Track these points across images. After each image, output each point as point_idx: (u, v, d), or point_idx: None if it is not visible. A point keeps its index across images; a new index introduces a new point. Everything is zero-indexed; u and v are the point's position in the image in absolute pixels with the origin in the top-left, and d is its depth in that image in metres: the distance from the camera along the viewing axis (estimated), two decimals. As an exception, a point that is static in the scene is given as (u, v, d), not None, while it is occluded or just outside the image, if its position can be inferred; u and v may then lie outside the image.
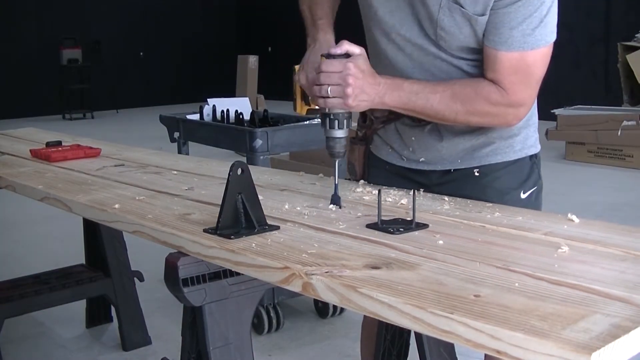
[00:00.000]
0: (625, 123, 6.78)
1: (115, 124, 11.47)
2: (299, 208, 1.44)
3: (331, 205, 1.44)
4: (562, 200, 5.16)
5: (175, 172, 1.94)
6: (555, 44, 1.45)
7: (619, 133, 6.77)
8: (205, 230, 1.29)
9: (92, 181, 1.85)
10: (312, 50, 1.54)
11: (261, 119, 3.20)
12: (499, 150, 1.56)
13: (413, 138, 1.60)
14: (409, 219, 1.30)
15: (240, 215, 1.28)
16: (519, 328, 0.82)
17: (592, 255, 1.11)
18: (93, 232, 2.95)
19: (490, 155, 1.56)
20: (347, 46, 1.41)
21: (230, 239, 1.23)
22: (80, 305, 3.18)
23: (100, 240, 2.90)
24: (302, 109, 1.62)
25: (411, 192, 1.37)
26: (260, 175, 1.76)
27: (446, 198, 1.50)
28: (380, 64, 1.58)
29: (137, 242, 1.70)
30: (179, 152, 3.48)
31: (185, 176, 1.88)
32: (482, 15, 1.39)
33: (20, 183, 1.90)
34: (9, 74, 12.26)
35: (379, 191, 1.31)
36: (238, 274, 1.29)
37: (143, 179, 1.86)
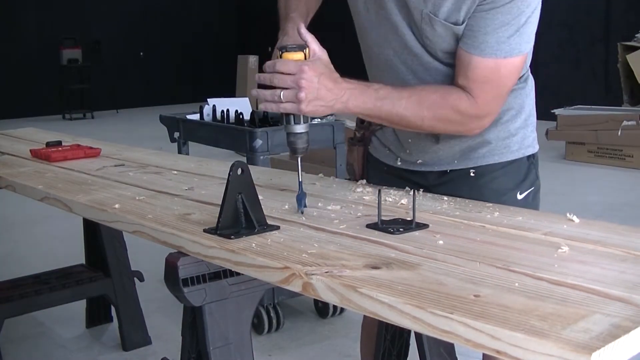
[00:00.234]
0: (625, 123, 6.78)
1: (115, 124, 11.47)
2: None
3: (299, 211, 1.39)
4: (561, 200, 5.16)
5: (175, 172, 1.94)
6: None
7: (619, 133, 6.77)
8: (205, 230, 1.29)
9: (92, 181, 1.86)
10: (278, 43, 1.48)
11: (261, 119, 3.20)
12: (495, 150, 1.56)
13: (410, 140, 1.59)
14: (409, 219, 1.30)
15: (240, 215, 1.28)
16: (519, 328, 0.82)
17: (592, 255, 1.11)
18: (93, 232, 2.95)
19: (487, 155, 1.56)
20: (309, 38, 1.35)
21: (230, 239, 1.23)
22: (80, 305, 3.18)
23: (100, 240, 2.90)
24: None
25: (411, 192, 1.37)
26: (260, 175, 1.76)
27: (446, 198, 1.50)
28: (374, 68, 1.59)
29: (137, 242, 1.70)
30: (179, 152, 3.48)
31: (185, 176, 1.88)
32: (463, 24, 1.38)
33: (20, 183, 1.90)
34: (9, 74, 12.26)
35: (379, 191, 1.31)
36: (238, 274, 1.29)
37: (143, 179, 1.86)
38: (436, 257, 1.10)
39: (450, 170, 1.59)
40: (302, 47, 1.36)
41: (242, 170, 1.29)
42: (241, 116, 3.24)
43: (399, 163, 1.65)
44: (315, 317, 3.30)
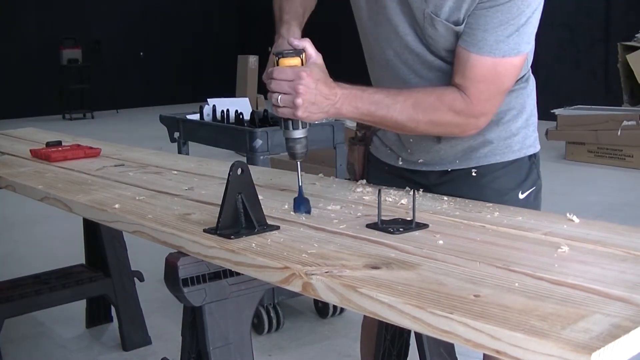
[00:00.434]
0: (625, 123, 6.78)
1: (115, 124, 11.46)
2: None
3: (302, 215, 1.39)
4: (562, 200, 5.16)
5: (175, 172, 1.94)
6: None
7: (619, 133, 6.77)
8: (205, 230, 1.29)
9: (92, 181, 1.86)
10: (274, 47, 1.49)
11: (261, 119, 3.20)
12: (497, 150, 1.56)
13: (411, 140, 1.59)
14: (409, 219, 1.30)
15: (240, 215, 1.28)
16: (519, 328, 0.82)
17: (592, 255, 1.11)
18: (93, 232, 2.95)
19: (489, 155, 1.56)
20: (305, 43, 1.37)
21: (230, 239, 1.23)
22: (80, 305, 3.18)
23: (100, 240, 2.90)
24: None
25: (411, 192, 1.37)
26: (260, 175, 1.76)
27: (446, 198, 1.50)
28: (376, 68, 1.58)
29: (137, 242, 1.70)
30: (179, 152, 3.48)
31: (185, 176, 1.88)
32: (463, 23, 1.38)
33: (20, 183, 1.90)
34: (9, 74, 12.26)
35: (379, 191, 1.31)
36: (238, 274, 1.29)
37: (143, 179, 1.86)
38: (436, 257, 1.10)
39: (451, 170, 1.59)
40: (299, 52, 1.37)
41: (242, 170, 1.30)
42: (241, 116, 3.24)
43: (400, 163, 1.65)
44: (315, 317, 3.30)
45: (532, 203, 1.58)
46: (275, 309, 3.11)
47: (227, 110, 3.36)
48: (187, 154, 3.38)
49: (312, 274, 1.03)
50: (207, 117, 3.47)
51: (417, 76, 1.50)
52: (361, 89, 1.41)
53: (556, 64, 9.68)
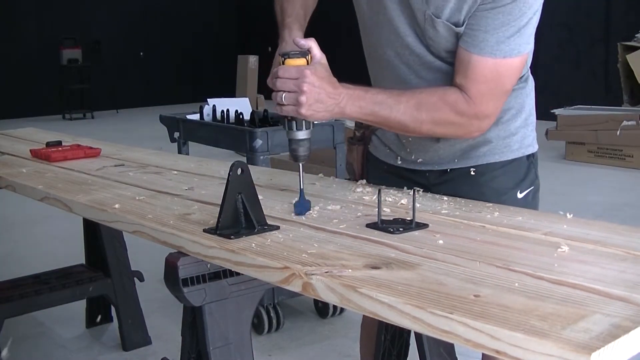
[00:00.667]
0: (625, 123, 6.78)
1: (115, 124, 11.46)
2: (299, 208, 1.44)
3: (302, 216, 1.38)
4: (561, 200, 5.16)
5: (175, 172, 1.94)
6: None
7: (619, 133, 6.77)
8: (205, 230, 1.29)
9: (92, 181, 1.86)
10: (278, 50, 1.49)
11: (261, 119, 3.20)
12: (496, 149, 1.56)
13: (410, 139, 1.59)
14: (409, 219, 1.30)
15: (240, 215, 1.28)
16: (519, 328, 0.82)
17: (592, 255, 1.11)
18: (93, 232, 2.95)
19: (487, 154, 1.56)
20: (311, 43, 1.37)
21: (230, 239, 1.23)
22: (80, 305, 3.18)
23: (100, 240, 2.90)
24: None
25: (411, 192, 1.37)
26: (260, 175, 1.76)
27: (446, 198, 1.50)
28: (376, 68, 1.58)
29: (137, 242, 1.70)
30: (179, 152, 3.48)
31: (185, 176, 1.88)
32: (464, 24, 1.38)
33: (20, 183, 1.90)
34: (9, 74, 12.26)
35: (379, 191, 1.31)
36: (238, 274, 1.29)
37: (143, 179, 1.86)
38: (436, 257, 1.10)
39: (450, 170, 1.59)
40: (305, 53, 1.37)
41: (242, 170, 1.29)
42: (241, 116, 3.24)
43: (399, 162, 1.65)
44: (315, 317, 3.30)
45: (531, 203, 1.58)
46: (275, 309, 3.11)
47: (227, 110, 3.36)
48: (187, 154, 3.38)
49: (312, 274, 1.03)
50: (207, 117, 3.48)
51: (418, 77, 1.50)
52: (364, 89, 1.42)
53: (556, 64, 9.67)
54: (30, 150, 2.33)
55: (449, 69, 1.46)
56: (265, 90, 1.41)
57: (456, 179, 1.58)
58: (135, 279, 3.00)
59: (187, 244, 1.27)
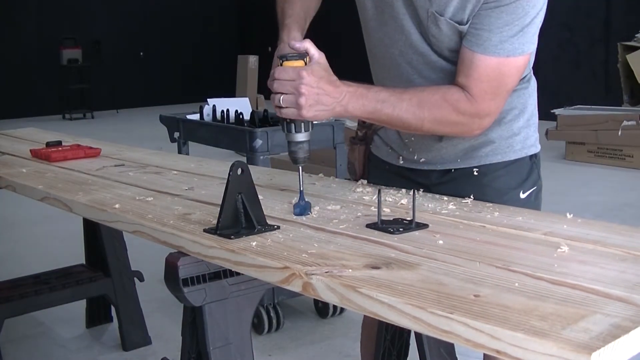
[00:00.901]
0: (625, 123, 6.78)
1: (115, 124, 11.47)
2: (299, 208, 1.44)
3: (302, 217, 1.38)
4: (561, 200, 5.16)
5: (175, 172, 1.94)
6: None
7: (619, 133, 6.77)
8: (205, 230, 1.29)
9: (92, 181, 1.86)
10: (277, 51, 1.48)
11: (261, 119, 3.20)
12: (498, 150, 1.56)
13: (412, 138, 1.60)
14: (409, 219, 1.30)
15: (240, 215, 1.28)
16: (519, 328, 0.82)
17: (592, 255, 1.10)
18: (93, 232, 2.95)
19: (490, 155, 1.56)
20: (307, 44, 1.36)
21: (230, 239, 1.23)
22: (80, 305, 3.18)
23: (100, 240, 2.90)
24: None
25: (411, 192, 1.37)
26: (260, 175, 1.76)
27: (446, 198, 1.50)
28: (379, 67, 1.58)
29: (137, 242, 1.70)
30: (179, 152, 3.48)
31: (185, 176, 1.88)
32: (467, 23, 1.38)
33: (20, 183, 1.90)
34: (9, 74, 12.26)
35: (379, 191, 1.30)
36: (238, 274, 1.29)
37: (143, 179, 1.86)
38: (436, 257, 1.10)
39: (453, 169, 1.59)
40: (303, 55, 1.36)
41: (242, 170, 1.29)
42: (241, 116, 3.24)
43: (402, 162, 1.65)
44: (315, 317, 3.30)
45: (533, 203, 1.58)
46: (275, 309, 3.11)
47: (227, 110, 3.36)
48: (187, 154, 3.38)
49: (312, 274, 1.03)
50: (207, 117, 3.48)
51: (421, 76, 1.50)
52: (366, 87, 1.41)
53: (556, 64, 9.67)
54: (30, 150, 2.33)
55: (452, 69, 1.46)
56: (265, 90, 1.41)
57: (459, 179, 1.58)
58: (135, 279, 3.00)
59: (187, 244, 1.27)
